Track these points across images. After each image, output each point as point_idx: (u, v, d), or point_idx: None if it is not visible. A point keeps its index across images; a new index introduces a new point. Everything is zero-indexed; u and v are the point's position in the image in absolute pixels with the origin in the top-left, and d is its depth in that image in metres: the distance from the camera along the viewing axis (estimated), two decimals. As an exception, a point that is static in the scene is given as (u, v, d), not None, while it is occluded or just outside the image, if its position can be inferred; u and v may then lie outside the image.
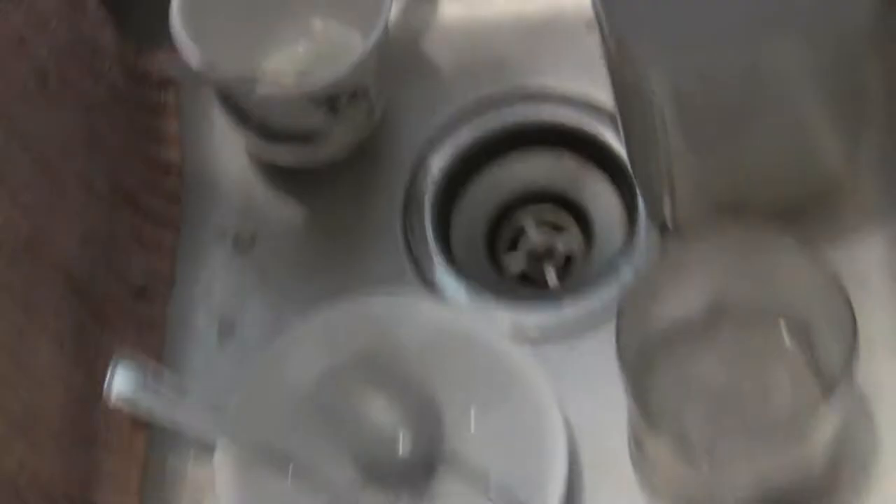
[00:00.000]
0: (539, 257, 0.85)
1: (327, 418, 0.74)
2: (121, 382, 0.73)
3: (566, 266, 0.85)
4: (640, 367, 0.65)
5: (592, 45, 0.72)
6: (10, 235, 0.69)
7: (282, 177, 0.85)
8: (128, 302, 0.80)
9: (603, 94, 0.81)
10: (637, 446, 0.69)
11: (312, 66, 0.84)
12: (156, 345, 0.80)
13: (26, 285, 0.70)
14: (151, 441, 0.77)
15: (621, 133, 0.77)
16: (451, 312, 0.78)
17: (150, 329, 0.81)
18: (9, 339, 0.68)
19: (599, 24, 0.67)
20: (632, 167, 0.78)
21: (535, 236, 0.85)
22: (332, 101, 0.77)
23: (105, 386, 0.72)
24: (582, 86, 0.85)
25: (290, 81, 0.82)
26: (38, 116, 0.74)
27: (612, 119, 0.82)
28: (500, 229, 0.86)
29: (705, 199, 0.74)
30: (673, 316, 0.67)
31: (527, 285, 0.84)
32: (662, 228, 0.78)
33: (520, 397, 0.73)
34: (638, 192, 0.80)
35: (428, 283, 0.81)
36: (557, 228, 0.85)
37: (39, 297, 0.71)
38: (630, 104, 0.71)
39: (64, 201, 0.75)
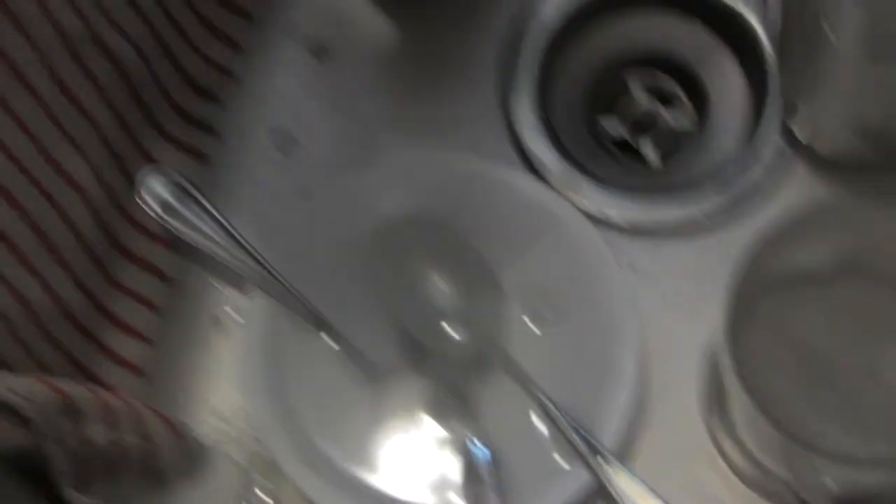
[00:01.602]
0: (641, 127, 0.75)
1: (375, 281, 0.66)
2: (153, 188, 0.66)
3: (670, 144, 0.75)
4: (739, 311, 0.56)
5: None
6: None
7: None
8: (182, 97, 0.71)
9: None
10: (715, 395, 0.62)
11: None
12: (206, 148, 0.72)
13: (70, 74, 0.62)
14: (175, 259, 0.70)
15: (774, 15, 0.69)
16: (541, 189, 0.68)
17: (201, 131, 0.72)
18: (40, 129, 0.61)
19: None
20: (778, 56, 0.69)
21: (641, 100, 0.75)
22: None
23: (136, 188, 0.67)
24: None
25: None
26: None
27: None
28: (603, 90, 0.76)
29: (852, 121, 0.65)
30: (793, 265, 0.58)
31: (625, 156, 0.75)
32: (791, 137, 0.69)
33: (598, 307, 0.64)
34: (770, 82, 0.70)
35: (514, 134, 0.72)
36: (665, 99, 0.76)
37: (80, 86, 0.63)
38: None
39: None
